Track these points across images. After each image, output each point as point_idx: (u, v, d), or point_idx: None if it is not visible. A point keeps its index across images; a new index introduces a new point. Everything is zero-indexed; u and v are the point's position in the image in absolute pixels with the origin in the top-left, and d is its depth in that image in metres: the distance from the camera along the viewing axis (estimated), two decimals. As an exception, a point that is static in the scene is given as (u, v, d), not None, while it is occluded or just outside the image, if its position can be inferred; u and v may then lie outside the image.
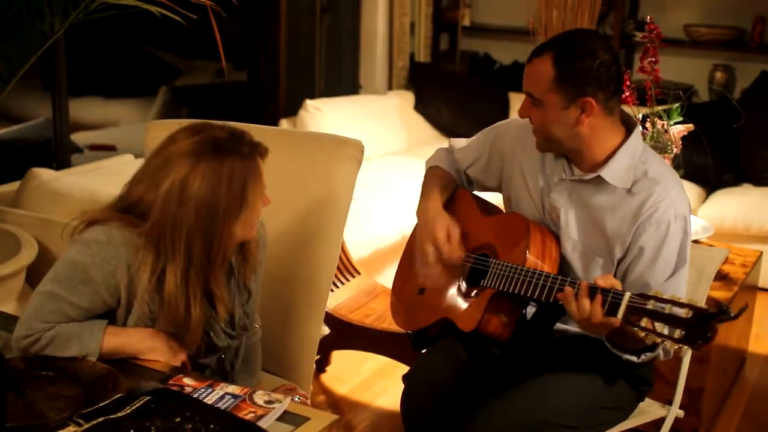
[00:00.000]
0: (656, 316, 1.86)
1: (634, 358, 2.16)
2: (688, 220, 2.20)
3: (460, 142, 2.60)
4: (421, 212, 2.48)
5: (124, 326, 1.98)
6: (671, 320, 1.83)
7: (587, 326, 2.04)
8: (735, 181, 5.38)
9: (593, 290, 2.00)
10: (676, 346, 1.82)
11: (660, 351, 2.17)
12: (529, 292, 2.17)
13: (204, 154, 1.89)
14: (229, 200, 1.89)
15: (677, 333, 1.82)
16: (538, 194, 2.34)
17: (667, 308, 1.85)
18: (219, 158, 1.89)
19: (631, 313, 1.91)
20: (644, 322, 1.87)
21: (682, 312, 1.82)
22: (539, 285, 2.16)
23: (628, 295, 1.94)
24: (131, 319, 1.97)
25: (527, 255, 2.23)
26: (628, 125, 2.26)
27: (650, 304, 1.88)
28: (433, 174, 2.57)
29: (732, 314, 1.78)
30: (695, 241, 3.59)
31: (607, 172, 2.20)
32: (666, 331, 1.83)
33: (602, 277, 2.03)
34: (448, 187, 2.54)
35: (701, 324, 1.79)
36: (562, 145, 2.22)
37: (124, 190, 1.99)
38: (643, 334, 1.88)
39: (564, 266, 2.28)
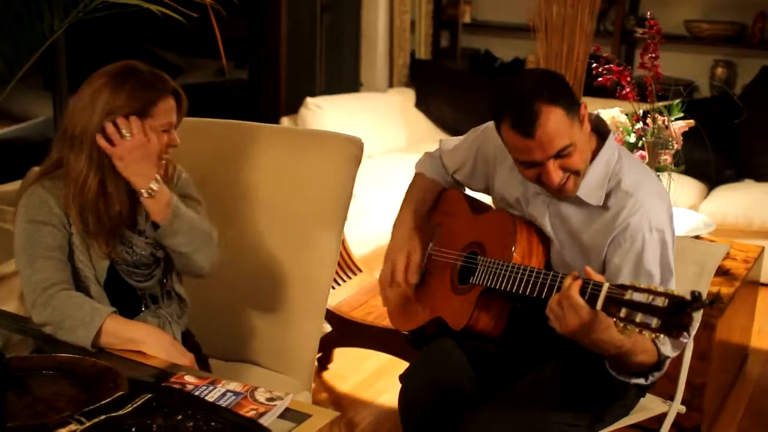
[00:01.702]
0: (634, 306, 1.84)
1: (642, 381, 2.15)
2: (666, 230, 2.15)
3: (448, 144, 2.58)
4: (395, 228, 2.51)
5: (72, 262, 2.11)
6: (649, 310, 1.82)
7: (563, 319, 1.99)
8: (736, 176, 5.38)
9: (576, 279, 1.97)
10: (653, 335, 1.82)
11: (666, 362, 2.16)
12: (515, 287, 2.17)
13: (116, 74, 2.09)
14: (126, 111, 2.05)
15: (654, 322, 1.81)
16: (518, 203, 2.33)
17: (645, 298, 1.84)
18: (126, 79, 2.07)
19: (610, 304, 1.90)
20: (623, 312, 1.86)
21: (659, 301, 1.81)
22: (524, 280, 2.15)
23: (606, 285, 1.92)
24: (75, 257, 2.10)
25: (513, 252, 2.23)
26: (601, 132, 2.23)
27: (628, 294, 1.87)
28: (415, 186, 2.59)
29: (706, 302, 1.78)
30: (697, 237, 3.59)
31: (580, 189, 2.17)
32: (644, 321, 1.83)
33: (593, 271, 2.00)
34: (428, 198, 2.55)
35: (677, 313, 1.79)
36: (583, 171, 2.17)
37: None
38: (621, 325, 1.87)
39: (548, 268, 2.28)
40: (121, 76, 2.07)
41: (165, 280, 2.27)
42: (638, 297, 1.85)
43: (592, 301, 1.93)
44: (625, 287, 1.89)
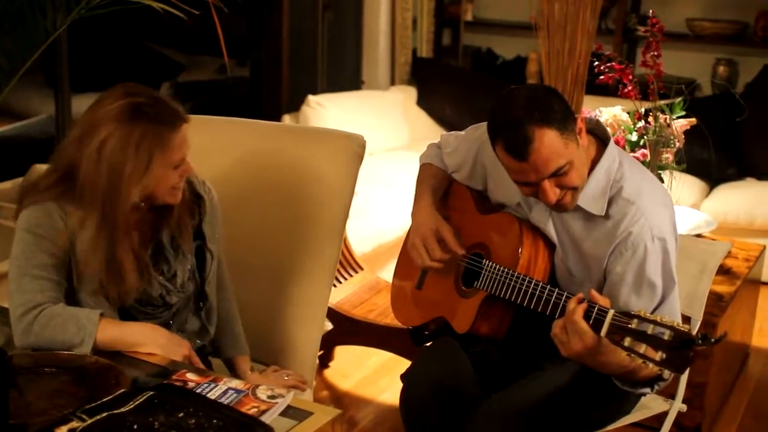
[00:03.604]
0: (639, 336, 1.84)
1: (647, 390, 2.16)
2: (669, 238, 2.13)
3: (448, 143, 2.56)
4: (414, 215, 2.48)
5: (77, 281, 2.03)
6: (653, 342, 1.81)
7: (567, 343, 1.99)
8: (738, 175, 5.37)
9: (581, 301, 1.98)
10: (657, 369, 1.81)
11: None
12: (519, 299, 2.17)
13: (122, 119, 1.95)
14: (134, 166, 1.96)
15: (658, 356, 1.80)
16: (520, 207, 2.32)
17: (650, 329, 1.83)
18: (134, 123, 1.95)
19: (615, 332, 1.89)
20: (627, 341, 1.85)
21: (665, 334, 1.80)
22: (528, 293, 2.16)
23: (611, 312, 1.92)
24: (83, 277, 2.02)
25: (519, 258, 2.23)
26: (600, 138, 2.22)
27: (633, 324, 1.86)
28: (426, 173, 2.55)
29: (713, 340, 1.77)
30: (698, 236, 3.59)
31: (582, 198, 2.16)
32: (648, 353, 1.82)
33: (599, 294, 2.00)
34: (441, 185, 2.52)
35: (682, 348, 1.78)
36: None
37: (56, 152, 2.07)
38: (624, 354, 1.86)
39: (551, 279, 2.27)
40: (125, 122, 1.95)
41: (171, 322, 2.19)
42: (644, 327, 1.84)
43: (596, 326, 1.93)
44: (630, 315, 1.88)
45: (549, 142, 2.03)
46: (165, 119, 1.99)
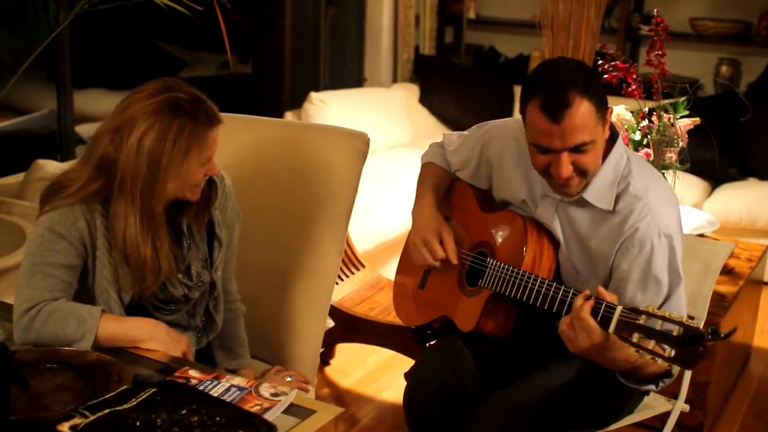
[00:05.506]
0: (648, 332, 1.84)
1: (652, 387, 2.15)
2: (675, 235, 2.13)
3: (452, 142, 2.54)
4: (414, 214, 2.47)
5: (93, 281, 2.03)
6: (662, 338, 1.81)
7: (575, 340, 2.00)
8: (741, 175, 5.36)
9: (588, 298, 1.98)
10: (667, 365, 1.81)
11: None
12: (525, 296, 2.17)
13: (161, 113, 1.97)
14: (170, 158, 1.97)
15: (668, 351, 1.80)
16: (525, 205, 2.32)
17: (659, 325, 1.83)
18: (173, 117, 1.97)
19: (623, 328, 1.89)
20: (636, 338, 1.85)
21: (674, 329, 1.80)
22: (534, 290, 2.15)
23: (619, 308, 1.92)
24: (98, 273, 2.02)
25: (524, 256, 2.22)
26: (610, 134, 2.20)
27: (642, 320, 1.86)
28: (428, 172, 2.55)
29: (722, 335, 1.77)
30: (701, 235, 3.58)
31: (589, 192, 2.15)
32: (657, 349, 1.81)
33: (606, 291, 2.01)
34: (442, 184, 2.52)
35: (692, 343, 1.77)
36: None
37: (90, 144, 2.06)
38: (633, 350, 1.86)
39: (556, 276, 2.27)
40: (164, 115, 1.96)
41: (191, 314, 2.20)
42: (652, 323, 1.84)
43: (604, 323, 1.93)
44: (638, 312, 1.87)
45: (584, 112, 2.02)
46: (202, 116, 1.99)
